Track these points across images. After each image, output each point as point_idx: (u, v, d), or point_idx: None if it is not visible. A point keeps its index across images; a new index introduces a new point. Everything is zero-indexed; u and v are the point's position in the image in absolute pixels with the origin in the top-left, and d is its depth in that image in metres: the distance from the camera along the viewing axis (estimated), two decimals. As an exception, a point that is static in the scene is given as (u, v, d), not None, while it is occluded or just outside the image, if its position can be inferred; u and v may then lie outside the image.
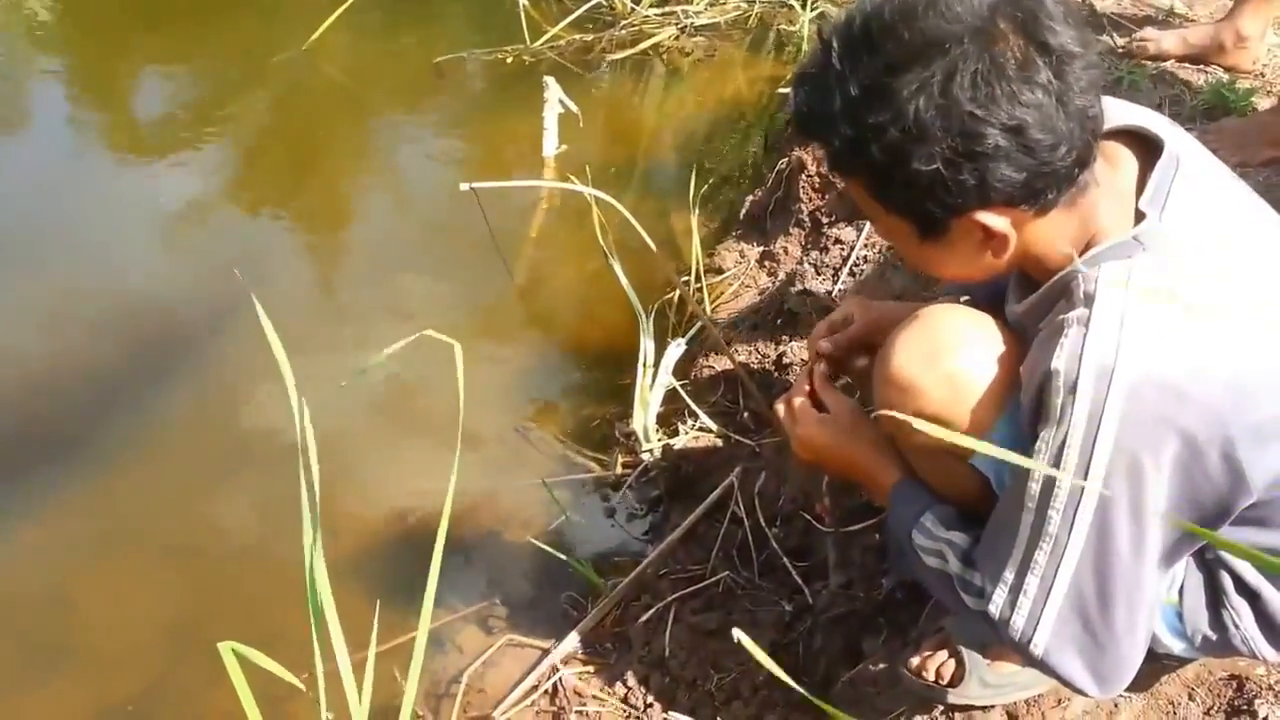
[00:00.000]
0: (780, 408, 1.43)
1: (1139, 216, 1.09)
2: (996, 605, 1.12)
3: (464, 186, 1.87)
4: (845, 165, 1.12)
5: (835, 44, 1.06)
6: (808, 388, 1.42)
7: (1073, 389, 1.03)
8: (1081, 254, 1.11)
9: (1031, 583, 1.10)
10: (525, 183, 2.40)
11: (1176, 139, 1.15)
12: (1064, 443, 1.04)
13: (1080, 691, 1.14)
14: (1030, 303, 1.16)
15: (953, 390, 1.18)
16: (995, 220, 1.07)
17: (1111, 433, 1.02)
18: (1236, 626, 1.21)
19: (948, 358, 1.18)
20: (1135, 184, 1.13)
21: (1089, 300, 1.06)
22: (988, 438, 1.17)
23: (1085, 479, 1.04)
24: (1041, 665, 1.13)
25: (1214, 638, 1.23)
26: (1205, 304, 1.06)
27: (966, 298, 1.46)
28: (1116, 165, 1.14)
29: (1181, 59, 2.61)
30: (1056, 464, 1.05)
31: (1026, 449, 1.09)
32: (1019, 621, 1.11)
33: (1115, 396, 1.01)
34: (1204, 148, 1.20)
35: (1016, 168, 1.03)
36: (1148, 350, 1.02)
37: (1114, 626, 1.09)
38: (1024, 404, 1.11)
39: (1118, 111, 1.16)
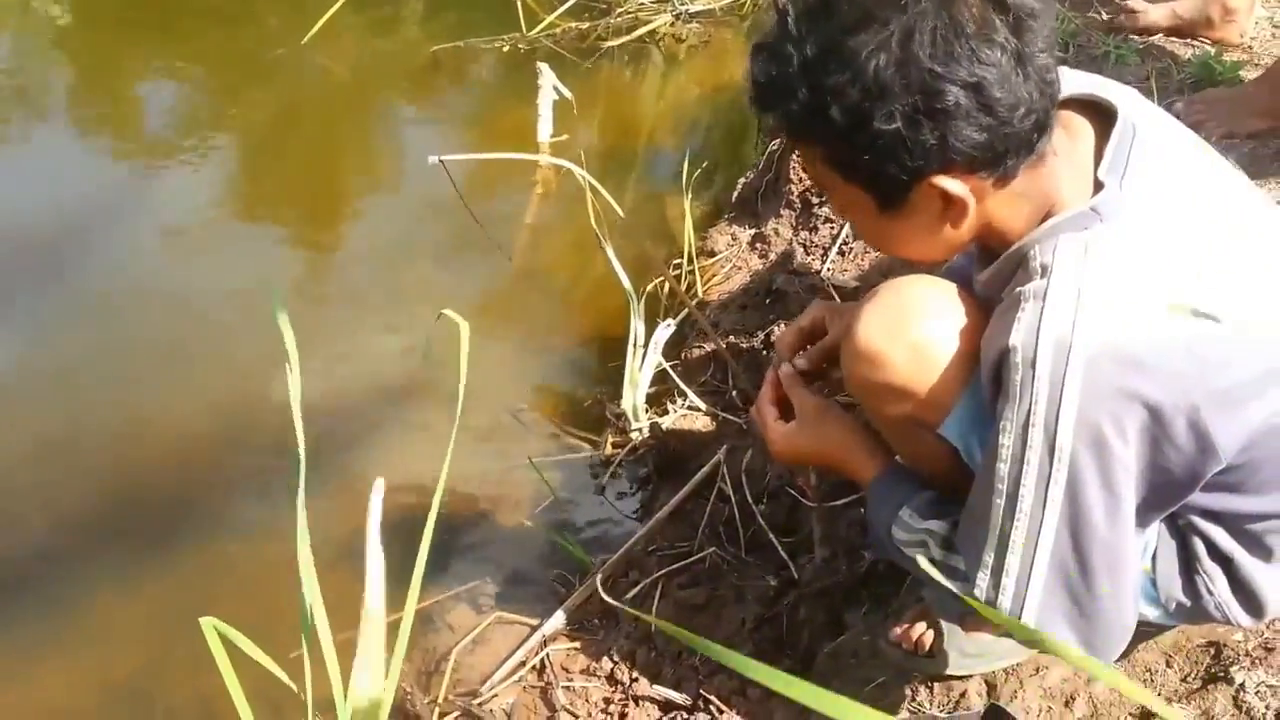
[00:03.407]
0: (754, 414, 1.44)
1: (1098, 186, 1.09)
2: (981, 588, 1.13)
3: (431, 159, 1.89)
4: (803, 133, 1.11)
5: (791, 10, 1.06)
6: (772, 390, 1.42)
7: (1031, 364, 1.03)
8: (1040, 223, 1.11)
9: (1012, 562, 1.10)
10: (494, 155, 2.42)
11: (1132, 106, 1.15)
12: (1028, 419, 1.04)
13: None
14: (989, 274, 1.16)
15: (918, 360, 1.17)
16: (955, 185, 1.06)
17: (1074, 407, 1.02)
18: (1210, 593, 1.22)
19: (913, 327, 1.18)
20: (1093, 153, 1.12)
21: (1045, 272, 1.06)
22: (955, 407, 1.18)
23: (1052, 454, 1.04)
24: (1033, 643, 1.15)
25: (1188, 604, 1.23)
26: (1163, 277, 1.05)
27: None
28: (1074, 135, 1.14)
29: (1169, 32, 2.61)
30: (1023, 441, 1.05)
31: (992, 421, 1.09)
32: (1005, 602, 1.11)
33: (1074, 370, 1.01)
34: (1162, 112, 1.20)
35: (977, 127, 1.02)
36: (1105, 322, 1.02)
37: (1098, 595, 1.09)
38: (983, 377, 1.11)
39: (1072, 81, 1.15)
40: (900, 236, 1.17)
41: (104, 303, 2.65)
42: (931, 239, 1.15)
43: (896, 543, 1.25)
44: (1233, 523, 1.19)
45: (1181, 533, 1.22)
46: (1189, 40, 2.59)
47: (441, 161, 1.87)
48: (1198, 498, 1.13)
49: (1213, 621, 1.27)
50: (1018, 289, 1.08)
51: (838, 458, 1.36)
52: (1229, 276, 1.09)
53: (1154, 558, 1.22)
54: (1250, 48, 2.58)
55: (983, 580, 1.12)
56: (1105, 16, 2.72)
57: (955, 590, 1.17)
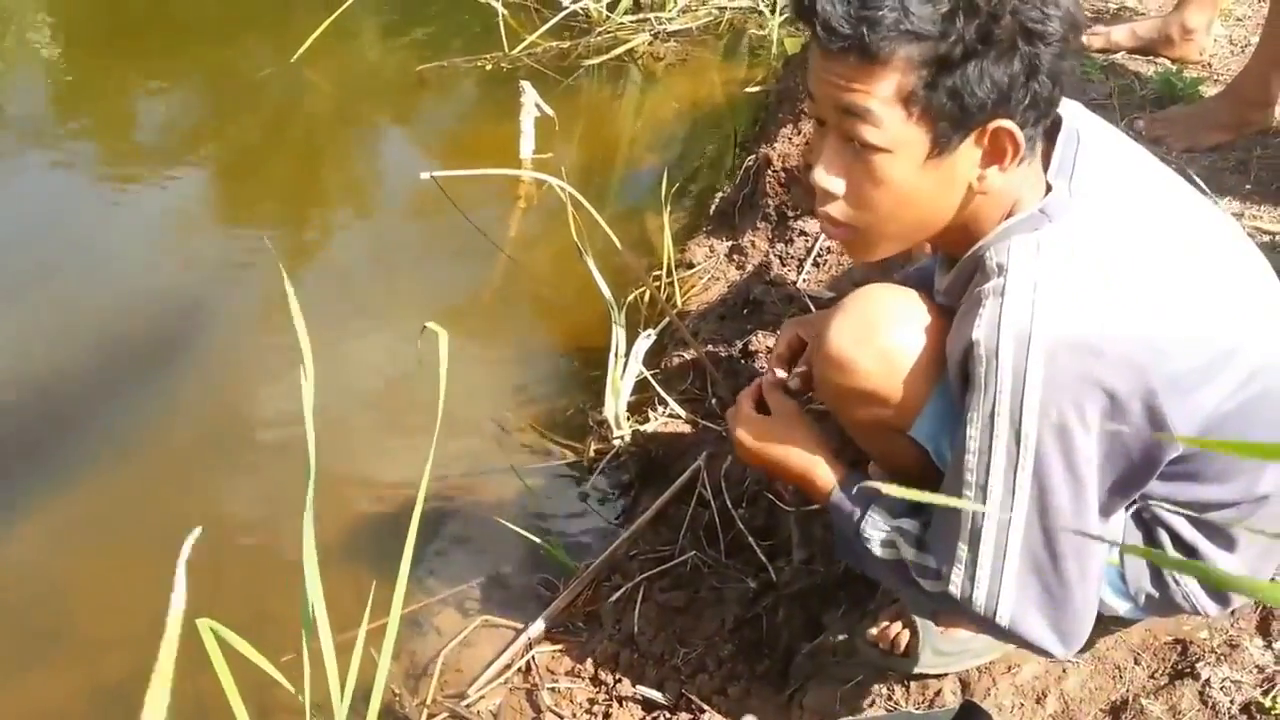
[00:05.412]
0: (729, 414, 1.44)
1: (1048, 189, 1.13)
2: (956, 584, 1.15)
3: (424, 175, 1.94)
4: (902, 53, 1.04)
5: None
6: (753, 393, 1.42)
7: (994, 355, 1.06)
8: (997, 224, 1.15)
9: (985, 554, 1.12)
10: (485, 171, 2.46)
11: (1075, 114, 1.19)
12: (993, 410, 1.07)
13: (1046, 653, 1.17)
14: (950, 279, 1.20)
15: (887, 365, 1.20)
16: (1016, 129, 1.07)
17: (1036, 395, 1.05)
18: (1177, 583, 1.25)
19: (881, 333, 1.21)
20: (1042, 157, 1.16)
21: (1001, 271, 1.10)
22: (924, 410, 1.22)
23: (1018, 442, 1.07)
24: (1009, 634, 1.16)
25: (1156, 595, 1.27)
26: (1114, 270, 1.09)
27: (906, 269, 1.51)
28: None
29: (1131, 51, 2.69)
30: (989, 431, 1.08)
31: (961, 419, 1.13)
32: (980, 596, 1.14)
33: (1035, 360, 1.05)
34: (1103, 121, 1.24)
35: (1050, 69, 1.05)
36: (1062, 313, 1.06)
37: (1067, 581, 1.12)
38: (950, 377, 1.15)
39: None
40: (919, 193, 1.13)
41: (97, 311, 2.67)
42: (944, 199, 1.14)
43: (865, 542, 1.26)
44: (1194, 512, 1.22)
45: (1147, 525, 1.25)
46: (1151, 58, 2.66)
47: (434, 177, 1.92)
48: (1159, 487, 1.17)
49: (1181, 613, 1.30)
50: (977, 289, 1.12)
51: (795, 463, 1.34)
52: (1174, 268, 1.13)
53: (1122, 551, 1.26)
54: (1209, 64, 2.66)
55: (957, 575, 1.15)
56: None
57: (927, 588, 1.21)
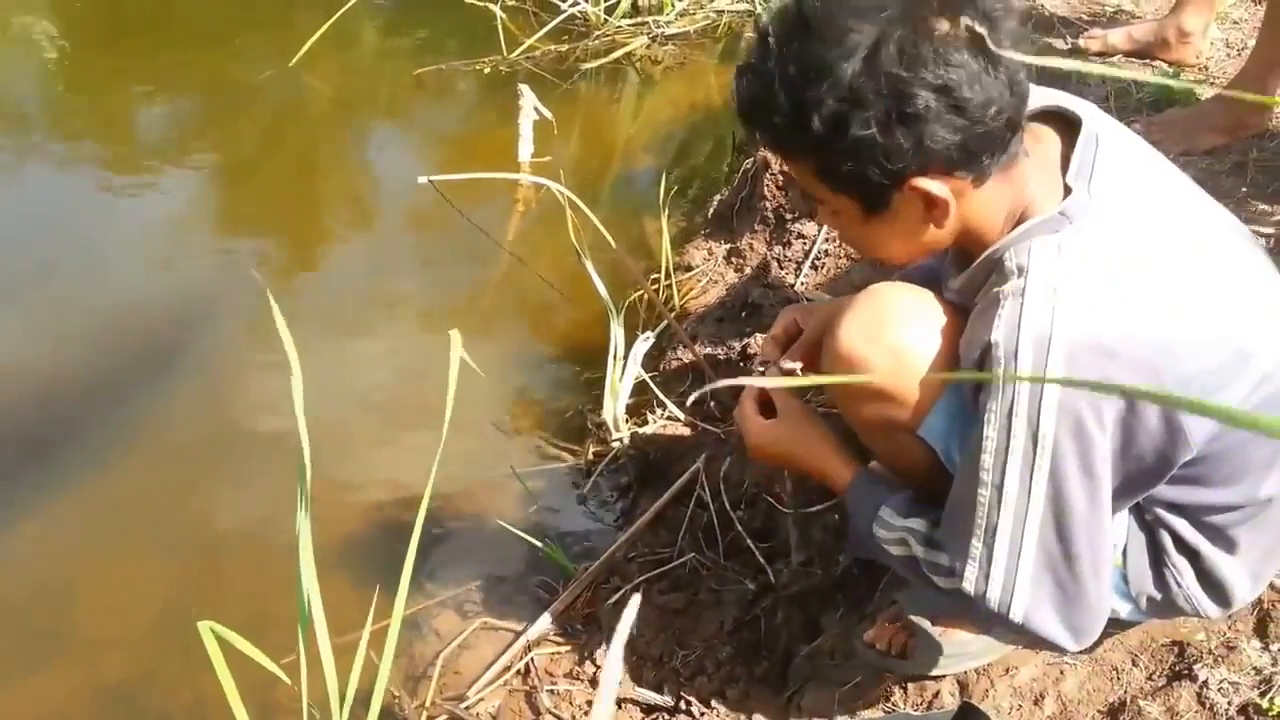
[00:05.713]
0: (737, 412, 1.45)
1: (1066, 191, 1.14)
2: (970, 580, 1.15)
3: (422, 179, 1.94)
4: (790, 145, 1.15)
5: (771, 32, 1.11)
6: (758, 390, 1.43)
7: (1013, 357, 1.07)
8: (1013, 227, 1.16)
9: (1000, 552, 1.13)
10: (483, 174, 2.47)
11: (1095, 118, 1.20)
12: (1011, 410, 1.08)
13: (1058, 648, 1.18)
14: (964, 279, 1.20)
15: (897, 363, 1.21)
16: (935, 186, 1.10)
17: (1054, 396, 1.06)
18: (1179, 585, 1.26)
19: (891, 331, 1.21)
20: (1060, 160, 1.17)
21: (1021, 272, 1.11)
22: (935, 408, 1.22)
23: (1035, 443, 1.08)
24: (1021, 631, 1.17)
25: (1158, 598, 1.27)
26: (1131, 273, 1.10)
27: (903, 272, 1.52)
28: (1042, 142, 1.19)
29: (1128, 54, 2.69)
30: (1006, 431, 1.09)
31: (972, 419, 1.14)
32: (994, 592, 1.14)
33: (1054, 362, 1.06)
34: (1123, 126, 1.25)
35: (950, 128, 1.06)
36: (1081, 316, 1.07)
37: (1081, 577, 1.13)
38: None
39: (1036, 94, 1.20)
40: (886, 240, 1.21)
41: (96, 312, 2.67)
42: (915, 240, 1.19)
43: (879, 541, 1.28)
44: (1196, 515, 1.23)
45: (1150, 527, 1.26)
46: (1147, 61, 2.67)
47: (432, 182, 1.92)
48: (1164, 490, 1.18)
49: (1183, 614, 1.31)
50: (995, 289, 1.13)
51: (812, 460, 1.38)
52: (1191, 272, 1.15)
53: (1124, 552, 1.26)
54: (1206, 67, 2.67)
55: (971, 572, 1.15)
56: (1067, 39, 2.82)
57: (941, 585, 1.21)
